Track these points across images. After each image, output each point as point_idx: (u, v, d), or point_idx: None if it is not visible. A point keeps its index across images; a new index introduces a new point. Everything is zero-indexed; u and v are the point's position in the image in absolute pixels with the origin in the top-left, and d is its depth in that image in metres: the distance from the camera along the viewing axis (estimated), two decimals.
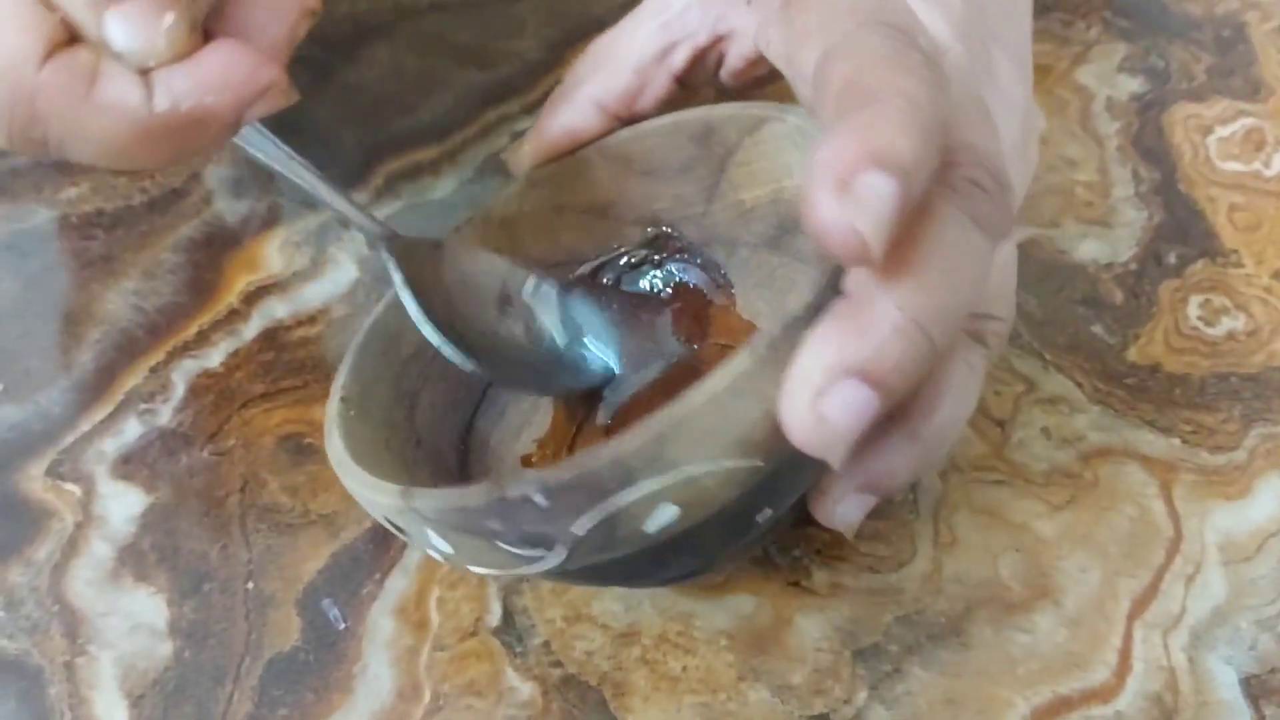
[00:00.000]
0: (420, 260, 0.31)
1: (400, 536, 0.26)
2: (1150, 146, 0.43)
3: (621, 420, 0.33)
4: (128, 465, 0.36)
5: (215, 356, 0.37)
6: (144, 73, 0.24)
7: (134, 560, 0.34)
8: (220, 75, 0.24)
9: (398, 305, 0.30)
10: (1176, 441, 0.37)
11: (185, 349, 0.38)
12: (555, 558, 0.24)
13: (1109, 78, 0.46)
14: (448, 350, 0.29)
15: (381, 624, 0.34)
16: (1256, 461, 0.37)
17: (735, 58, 0.33)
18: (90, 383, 0.37)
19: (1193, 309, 0.39)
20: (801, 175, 0.29)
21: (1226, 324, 0.39)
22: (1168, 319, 0.39)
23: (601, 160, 0.33)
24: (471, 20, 0.45)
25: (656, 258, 0.35)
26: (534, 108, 0.43)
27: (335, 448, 0.28)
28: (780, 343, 0.22)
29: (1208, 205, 0.41)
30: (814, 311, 0.23)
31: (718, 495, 0.23)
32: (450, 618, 0.34)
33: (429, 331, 0.29)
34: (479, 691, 0.33)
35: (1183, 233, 0.41)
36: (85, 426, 0.36)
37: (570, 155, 0.33)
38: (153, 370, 0.37)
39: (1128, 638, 0.34)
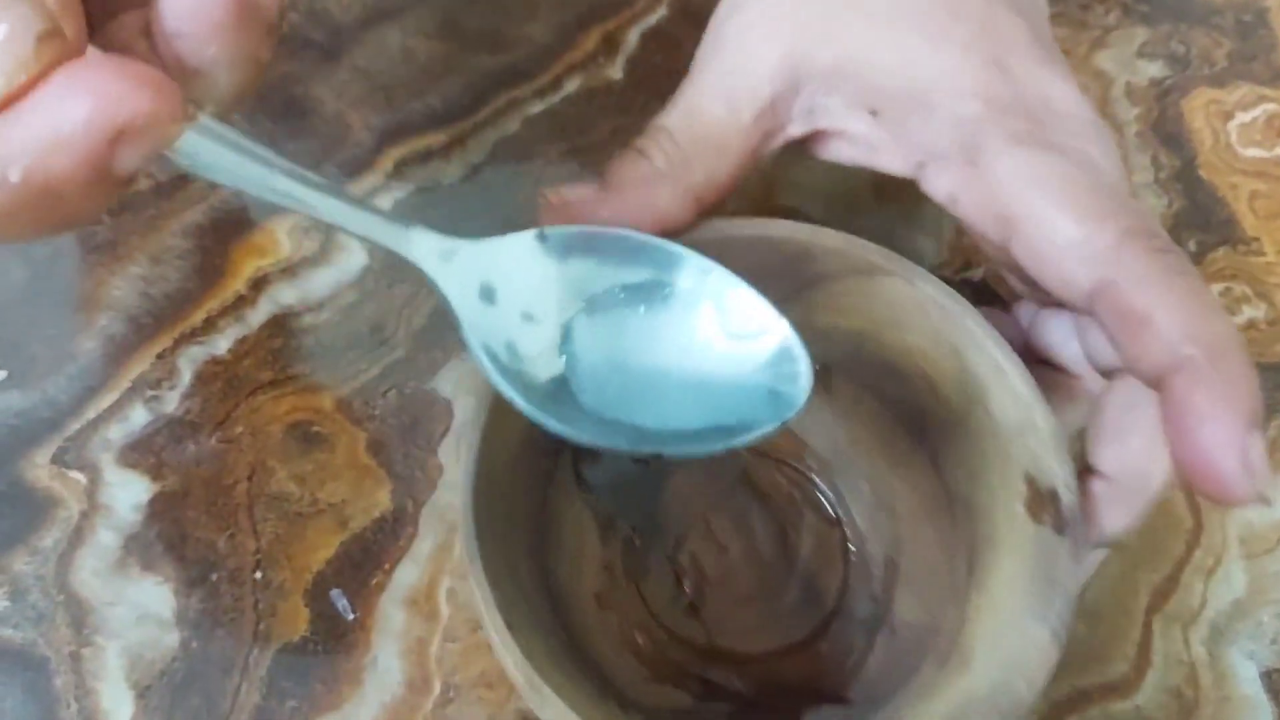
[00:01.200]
0: None
1: None
2: (1170, 132, 0.43)
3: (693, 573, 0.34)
4: (134, 453, 0.35)
5: (223, 343, 0.37)
6: None
7: (140, 549, 0.34)
8: (70, 116, 0.18)
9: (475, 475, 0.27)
10: None
11: (192, 336, 0.37)
12: None
13: (1128, 63, 0.45)
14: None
15: (391, 615, 0.33)
16: (1277, 454, 0.36)
17: (837, 154, 0.31)
18: (96, 370, 0.36)
19: None
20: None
21: (1247, 313, 0.38)
22: None
23: None
24: (482, 4, 0.45)
25: None
26: (545, 92, 0.43)
27: (556, 710, 0.25)
28: None
29: (1229, 192, 0.41)
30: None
31: None
32: (461, 609, 0.33)
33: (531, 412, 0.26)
34: (490, 684, 0.32)
35: (1203, 220, 0.40)
36: (91, 414, 0.36)
37: None
38: (159, 357, 0.37)
39: (1147, 631, 0.34)
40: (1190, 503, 0.35)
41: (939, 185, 0.28)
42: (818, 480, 0.35)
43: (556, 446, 0.32)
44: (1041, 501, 0.27)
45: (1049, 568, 0.26)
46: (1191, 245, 0.40)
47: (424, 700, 0.32)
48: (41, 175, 0.18)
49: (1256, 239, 0.40)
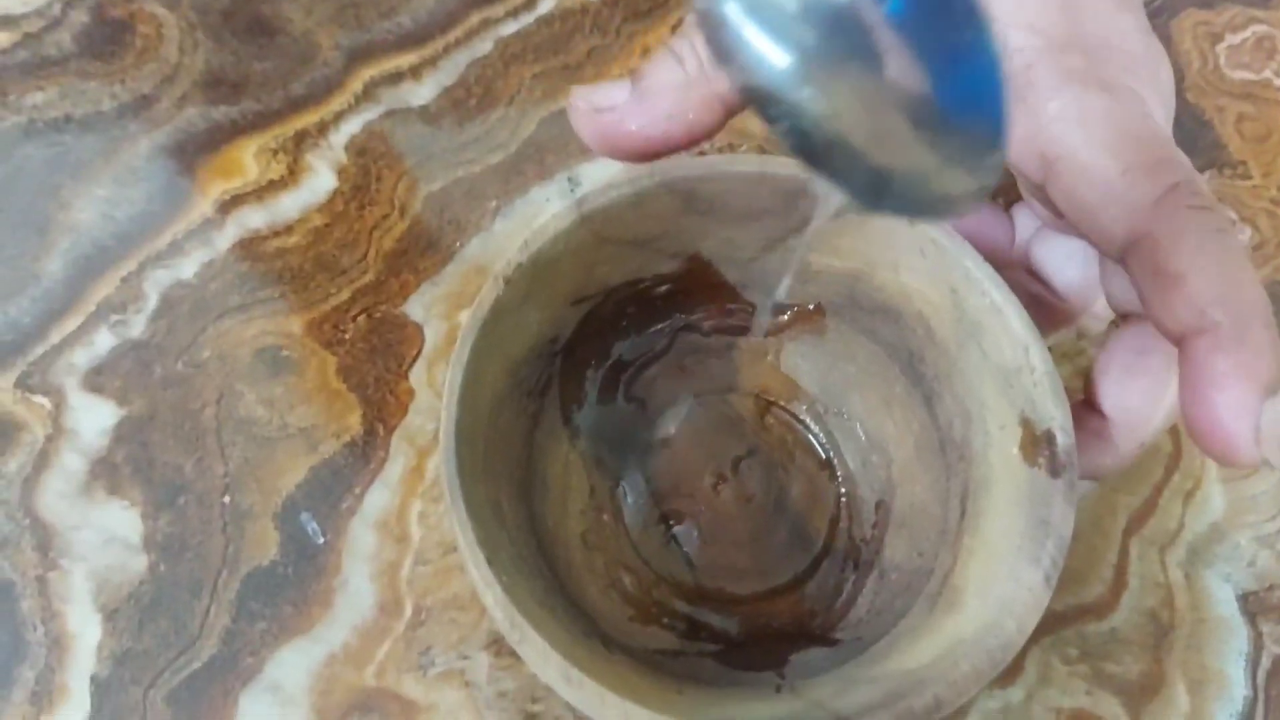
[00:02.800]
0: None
1: None
2: None
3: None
4: (99, 377, 0.35)
5: (189, 267, 0.36)
6: None
7: (107, 473, 0.33)
8: None
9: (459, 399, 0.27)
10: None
11: (158, 259, 0.36)
12: None
13: None
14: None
15: (362, 538, 0.33)
16: None
17: None
18: (60, 293, 0.36)
19: None
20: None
21: None
22: None
23: (663, 195, 0.30)
24: None
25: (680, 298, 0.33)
26: (519, 12, 0.42)
27: (536, 647, 0.24)
28: None
29: (1215, 115, 0.40)
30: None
31: None
32: (433, 531, 0.33)
33: None
34: (462, 606, 0.32)
35: (1189, 143, 0.39)
36: (55, 338, 0.35)
37: (631, 186, 0.29)
38: (124, 280, 0.36)
39: (1124, 554, 0.33)
40: (1170, 427, 0.35)
41: None
42: (810, 422, 0.34)
43: (543, 387, 0.32)
44: (1037, 444, 0.27)
45: (1043, 510, 0.26)
46: None
47: (395, 623, 0.32)
48: None
49: (1243, 162, 0.39)
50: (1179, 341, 0.24)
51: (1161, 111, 0.27)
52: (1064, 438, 0.26)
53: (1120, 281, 0.27)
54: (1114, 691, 0.32)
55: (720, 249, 0.32)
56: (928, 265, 0.29)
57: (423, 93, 0.40)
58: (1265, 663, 0.32)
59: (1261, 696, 0.32)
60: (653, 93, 0.28)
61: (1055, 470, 0.26)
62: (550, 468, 0.32)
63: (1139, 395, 0.27)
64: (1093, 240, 0.26)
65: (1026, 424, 0.27)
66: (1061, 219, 0.28)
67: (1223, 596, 0.33)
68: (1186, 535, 0.34)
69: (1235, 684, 0.32)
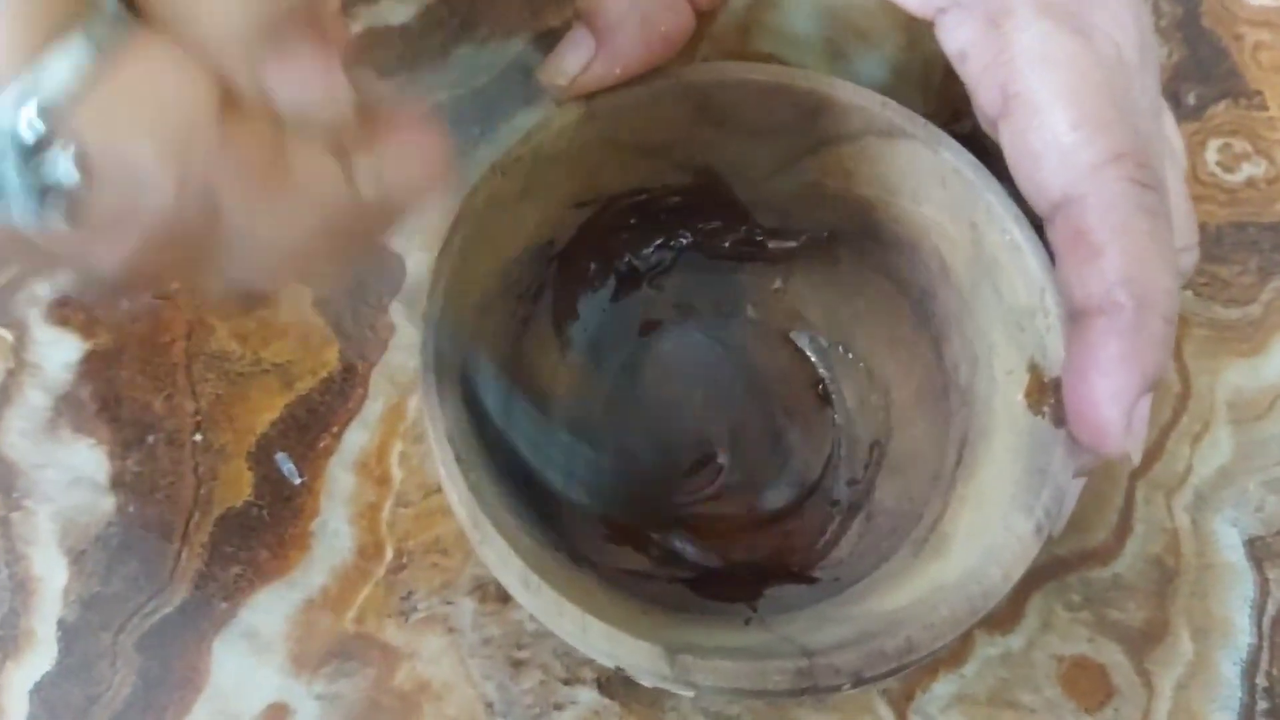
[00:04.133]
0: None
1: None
2: None
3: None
4: (64, 309, 0.33)
5: None
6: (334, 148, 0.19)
7: (72, 410, 0.32)
8: (413, 157, 0.20)
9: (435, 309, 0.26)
10: (1189, 294, 0.35)
11: None
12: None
13: None
14: None
15: (340, 479, 0.31)
16: (1272, 316, 0.35)
17: None
18: None
19: (1211, 154, 0.37)
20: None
21: (1247, 170, 0.37)
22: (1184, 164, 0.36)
23: (676, 99, 0.28)
24: None
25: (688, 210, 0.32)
26: None
27: (497, 548, 0.24)
28: None
29: (1232, 43, 0.38)
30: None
31: None
32: (414, 473, 0.32)
33: None
34: (445, 550, 0.31)
35: (1204, 72, 0.38)
36: (16, 268, 0.33)
37: (644, 87, 0.28)
38: None
39: (1129, 498, 0.32)
40: (1179, 366, 0.34)
41: (955, 37, 0.26)
42: (812, 356, 0.33)
43: (536, 292, 0.30)
44: (1044, 391, 0.26)
45: (1043, 459, 0.25)
46: (1191, 99, 0.37)
47: (375, 566, 0.31)
48: (400, 198, 0.20)
49: (1259, 92, 0.38)
50: (1077, 316, 0.24)
51: (1136, 61, 0.26)
52: None
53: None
54: (1116, 639, 0.31)
55: (732, 164, 0.30)
56: (949, 197, 0.27)
57: (403, 10, 0.38)
58: (1271, 609, 0.31)
59: (1266, 643, 0.31)
60: (614, 28, 0.27)
61: (1059, 420, 0.25)
62: (539, 377, 0.31)
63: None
64: (1027, 189, 0.25)
65: (1034, 370, 0.26)
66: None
67: (1229, 542, 0.32)
68: (1193, 479, 0.33)
69: (1240, 631, 0.31)
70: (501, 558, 0.23)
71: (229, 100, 0.17)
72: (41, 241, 0.17)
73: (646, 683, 0.24)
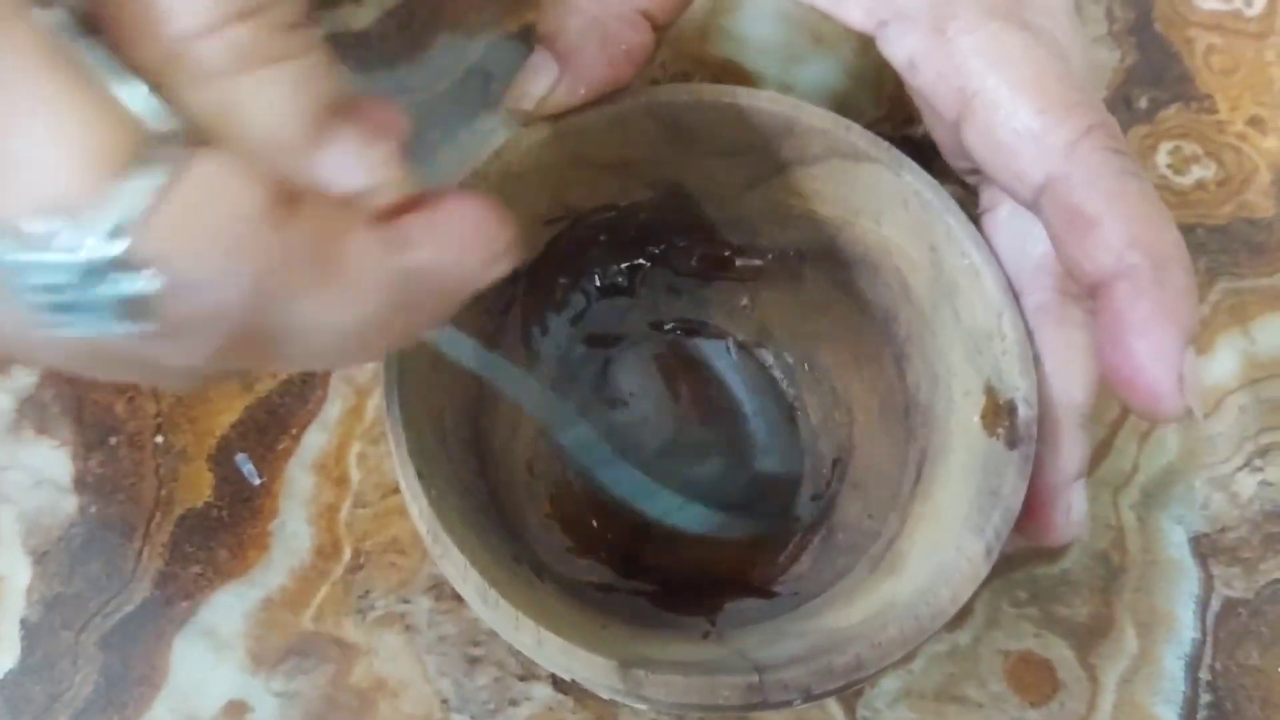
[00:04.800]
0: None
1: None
2: None
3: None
4: None
5: None
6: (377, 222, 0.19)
7: (35, 412, 0.32)
8: (467, 228, 0.20)
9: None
10: None
11: None
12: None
13: None
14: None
15: (299, 480, 0.32)
16: (1219, 317, 0.35)
17: None
18: None
19: (1162, 156, 0.37)
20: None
21: (1196, 173, 0.37)
22: None
23: (646, 120, 0.29)
24: None
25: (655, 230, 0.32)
26: None
27: (456, 563, 0.24)
28: None
29: (1184, 47, 0.39)
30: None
31: None
32: (372, 474, 0.32)
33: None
34: (403, 549, 0.31)
35: (1156, 76, 0.38)
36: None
37: (613, 106, 0.28)
38: None
39: None
40: None
41: (899, 47, 0.27)
42: (777, 372, 0.33)
43: (504, 306, 0.31)
44: (998, 414, 0.26)
45: (995, 481, 0.25)
46: (1143, 102, 0.38)
47: (333, 566, 0.31)
48: (448, 272, 0.20)
49: (1210, 96, 0.38)
50: (1095, 290, 0.24)
51: (1078, 55, 0.27)
52: (1025, 410, 0.26)
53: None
54: (1062, 634, 0.31)
55: (701, 183, 0.30)
56: (910, 219, 0.28)
57: (363, 15, 0.38)
58: (1215, 605, 0.32)
59: (1210, 639, 0.32)
60: (575, 50, 0.27)
61: (1013, 442, 0.26)
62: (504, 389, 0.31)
63: (1048, 377, 0.26)
64: (1005, 183, 0.26)
65: (990, 392, 0.27)
66: (972, 168, 0.27)
67: (1175, 539, 0.33)
68: (1140, 477, 0.33)
69: (1185, 626, 0.32)
70: (460, 572, 0.24)
71: (287, 196, 0.18)
72: (128, 352, 0.18)
73: (602, 694, 0.24)
